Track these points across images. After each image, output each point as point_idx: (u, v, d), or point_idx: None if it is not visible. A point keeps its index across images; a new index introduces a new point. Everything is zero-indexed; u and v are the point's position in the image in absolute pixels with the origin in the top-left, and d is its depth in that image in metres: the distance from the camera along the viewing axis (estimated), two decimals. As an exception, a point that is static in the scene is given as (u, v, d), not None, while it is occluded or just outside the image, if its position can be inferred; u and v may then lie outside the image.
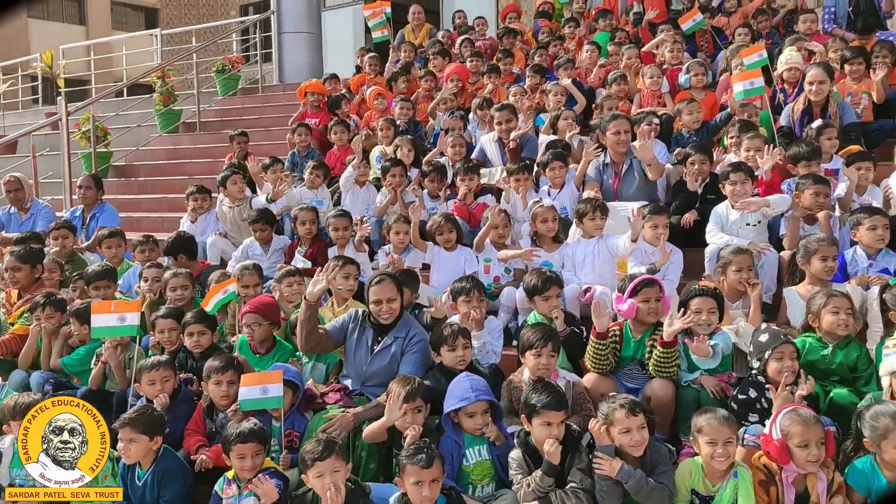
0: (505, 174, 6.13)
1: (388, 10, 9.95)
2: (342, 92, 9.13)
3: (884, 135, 6.34)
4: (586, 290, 4.75)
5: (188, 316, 4.64)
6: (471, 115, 7.79)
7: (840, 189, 5.29)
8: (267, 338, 4.59)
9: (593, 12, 10.03)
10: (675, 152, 6.21)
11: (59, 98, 9.11)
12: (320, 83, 9.27)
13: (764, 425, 3.37)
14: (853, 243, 4.72)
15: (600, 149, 5.97)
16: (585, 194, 5.65)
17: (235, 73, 12.64)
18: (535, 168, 6.17)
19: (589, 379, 4.09)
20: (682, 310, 3.96)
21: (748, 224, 5.06)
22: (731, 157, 5.79)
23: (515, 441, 3.52)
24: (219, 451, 3.71)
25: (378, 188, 6.73)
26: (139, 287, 5.49)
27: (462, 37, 10.02)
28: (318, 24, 14.10)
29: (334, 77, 9.68)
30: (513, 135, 6.61)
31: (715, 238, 5.05)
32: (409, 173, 6.57)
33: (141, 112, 11.89)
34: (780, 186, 5.42)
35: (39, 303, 5.01)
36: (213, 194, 7.22)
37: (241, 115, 11.60)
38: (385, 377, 4.03)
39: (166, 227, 7.63)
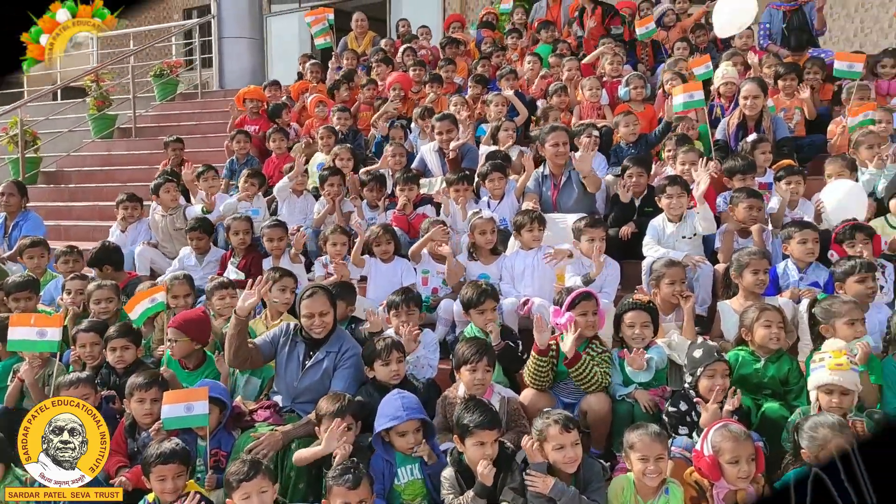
0: (445, 185, 6.08)
1: (331, 17, 9.91)
2: (283, 100, 8.96)
3: (815, 149, 6.46)
4: (525, 303, 4.72)
5: (111, 330, 4.46)
6: (412, 125, 7.72)
7: (773, 203, 5.38)
8: (190, 353, 4.42)
9: (536, 24, 10.07)
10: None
11: (-15, 101, 8.78)
12: (259, 89, 9.08)
13: (693, 438, 3.37)
14: (785, 257, 4.79)
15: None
16: (524, 206, 5.62)
17: (174, 77, 12.32)
18: (476, 179, 6.13)
19: (526, 395, 4.05)
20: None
21: (684, 237, 5.11)
22: (669, 171, 5.85)
23: (448, 459, 3.45)
24: (139, 473, 3.54)
25: (317, 197, 6.61)
26: (62, 299, 5.28)
27: (405, 45, 9.96)
28: (260, 30, 13.87)
29: (275, 84, 9.49)
30: (453, 145, 6.58)
31: (651, 251, 5.09)
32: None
33: (74, 116, 11.48)
34: (716, 200, 5.49)
35: (-48, 316, 4.76)
36: (144, 203, 7.00)
37: (179, 121, 11.23)
38: (316, 393, 3.93)
39: (97, 236, 7.32)
